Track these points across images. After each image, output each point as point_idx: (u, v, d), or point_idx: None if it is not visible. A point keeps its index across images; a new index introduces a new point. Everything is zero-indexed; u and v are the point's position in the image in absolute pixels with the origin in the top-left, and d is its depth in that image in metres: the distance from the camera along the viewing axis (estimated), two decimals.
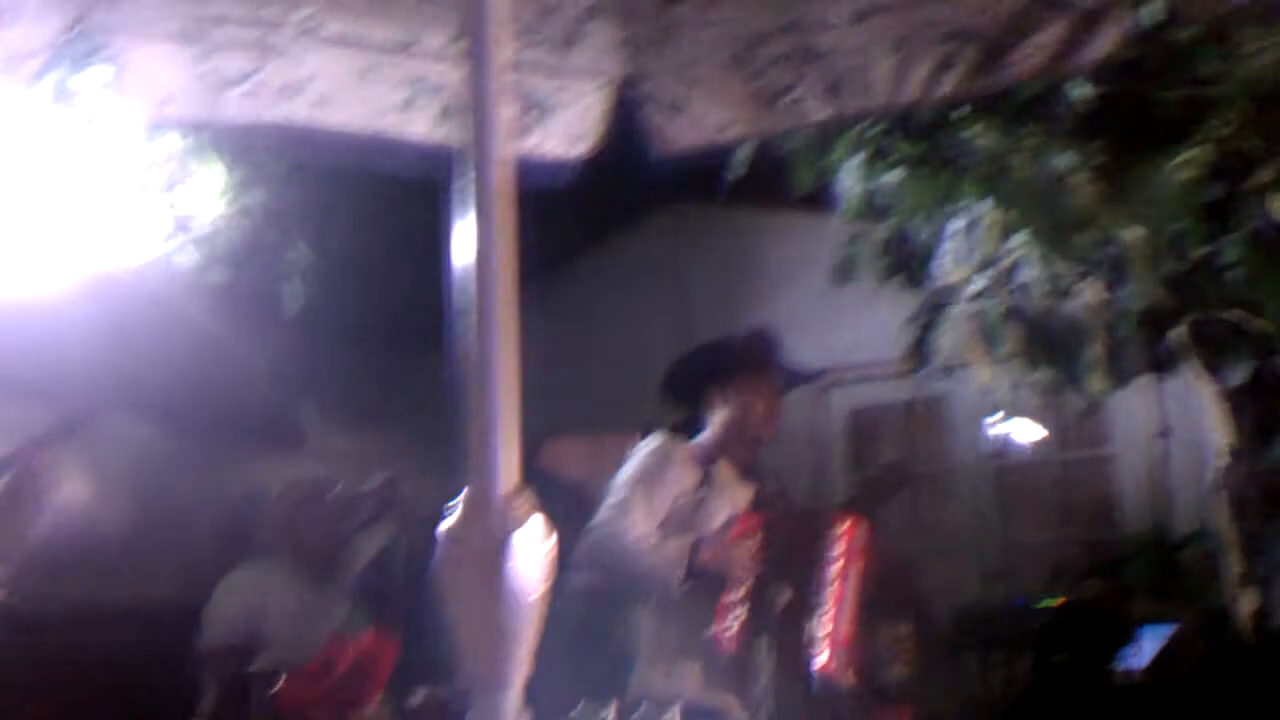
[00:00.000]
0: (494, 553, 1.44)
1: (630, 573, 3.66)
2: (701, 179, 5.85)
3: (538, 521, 1.51)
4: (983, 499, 6.51)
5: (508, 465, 1.48)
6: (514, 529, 1.46)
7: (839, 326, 5.99)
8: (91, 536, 4.63)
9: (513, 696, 1.46)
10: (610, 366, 6.81)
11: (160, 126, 4.02)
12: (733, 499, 3.85)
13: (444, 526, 1.49)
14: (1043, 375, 4.07)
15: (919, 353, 4.04)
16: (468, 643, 1.46)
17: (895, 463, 5.99)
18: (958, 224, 3.75)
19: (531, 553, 1.47)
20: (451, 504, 1.54)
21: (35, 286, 4.21)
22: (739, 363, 3.91)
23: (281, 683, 2.99)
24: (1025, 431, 6.27)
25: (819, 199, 4.73)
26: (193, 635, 4.47)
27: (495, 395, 1.49)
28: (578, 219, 5.81)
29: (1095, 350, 3.89)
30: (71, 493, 4.57)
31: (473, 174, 1.65)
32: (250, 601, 4.50)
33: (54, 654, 4.52)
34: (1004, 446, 6.06)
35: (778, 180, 4.50)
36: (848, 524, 3.78)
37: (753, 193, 5.72)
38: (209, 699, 4.28)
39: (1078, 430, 6.27)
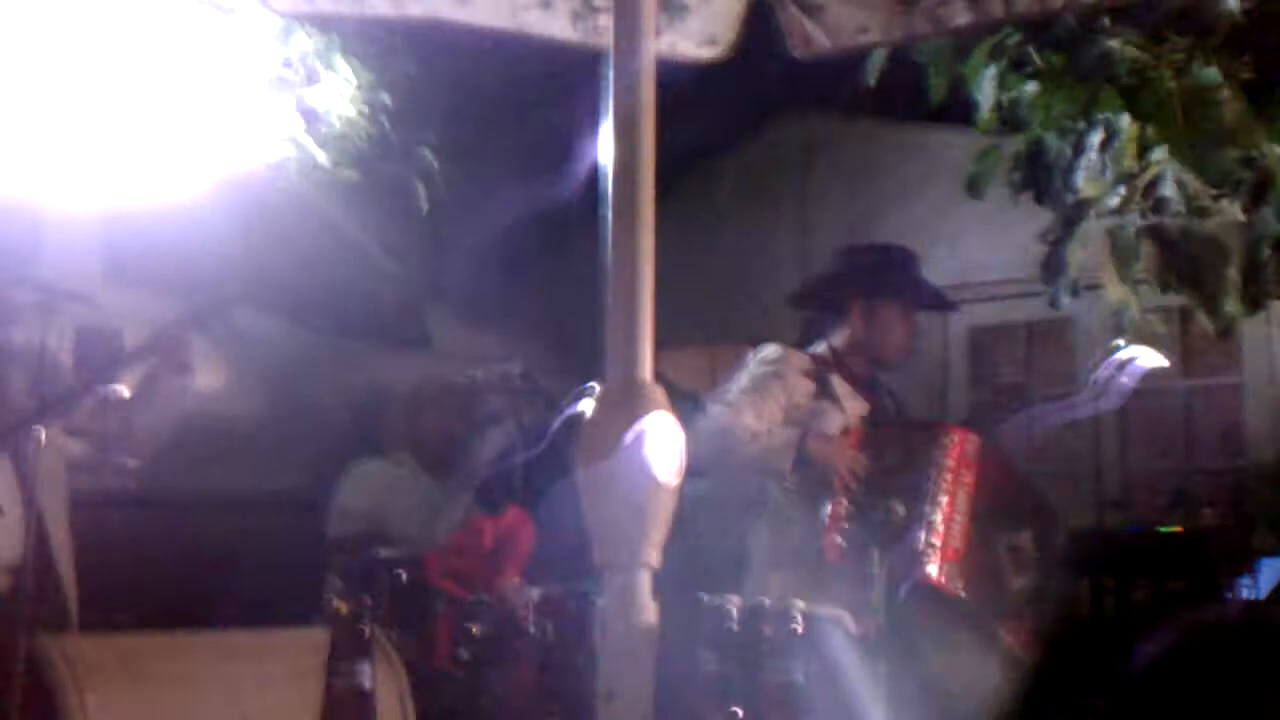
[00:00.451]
0: (630, 440, 1.47)
1: (737, 462, 3.66)
2: (830, 88, 5.79)
3: (670, 414, 1.55)
4: (1103, 424, 6.41)
5: (644, 357, 1.51)
6: (650, 415, 1.49)
7: (964, 243, 5.92)
8: (222, 426, 4.79)
9: (645, 579, 1.51)
10: (729, 277, 6.81)
11: (307, 20, 4.08)
12: (846, 412, 3.83)
13: (582, 414, 1.52)
14: (1175, 296, 3.99)
15: (1050, 269, 3.97)
16: (603, 524, 1.50)
17: (1011, 385, 5.91)
18: (1095, 138, 3.66)
19: (666, 440, 1.51)
20: (586, 392, 1.58)
21: (173, 181, 4.34)
22: (879, 278, 3.86)
23: (427, 556, 3.08)
24: (1150, 356, 6.14)
25: (949, 112, 4.64)
26: (319, 525, 4.63)
27: (636, 289, 1.51)
28: (703, 124, 5.78)
29: (1231, 273, 3.79)
30: (204, 383, 4.72)
31: (616, 74, 1.67)
32: (376, 494, 4.63)
33: (183, 538, 4.70)
34: (1118, 366, 5.94)
35: (909, 91, 4.42)
36: (958, 436, 3.75)
37: (882, 104, 5.65)
38: (336, 585, 4.43)
39: (1204, 356, 6.14)
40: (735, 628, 1.46)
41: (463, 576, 2.79)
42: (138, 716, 2.13)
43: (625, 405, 1.49)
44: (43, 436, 3.17)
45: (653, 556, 1.51)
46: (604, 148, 1.58)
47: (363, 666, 1.33)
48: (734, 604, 1.46)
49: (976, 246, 5.97)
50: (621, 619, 1.49)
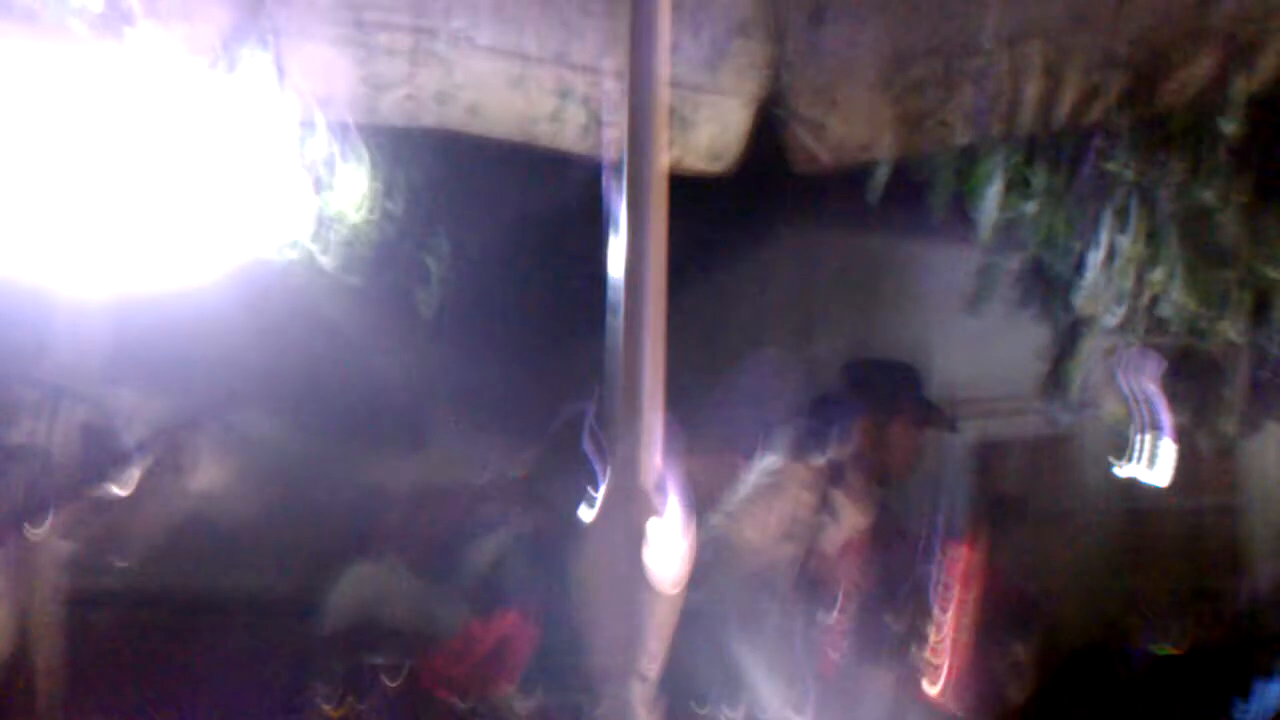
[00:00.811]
0: (635, 543, 1.47)
1: (739, 574, 3.66)
2: (831, 203, 5.86)
3: (677, 517, 1.54)
4: (1105, 542, 6.37)
5: (650, 460, 1.52)
6: (655, 521, 1.49)
7: (965, 358, 5.93)
8: (216, 526, 4.77)
9: (646, 687, 1.49)
10: (730, 388, 6.83)
11: (318, 125, 4.14)
12: (848, 524, 3.84)
13: (585, 517, 1.52)
14: (1176, 414, 3.99)
15: (1052, 385, 3.99)
16: (604, 631, 1.49)
17: (1014, 495, 5.89)
18: (1095, 257, 3.70)
19: (671, 546, 1.50)
20: (590, 497, 1.58)
21: (180, 275, 4.36)
22: (888, 396, 3.92)
23: (420, 661, 3.06)
24: (1148, 476, 6.12)
25: (949, 227, 4.69)
26: (313, 625, 4.59)
27: (642, 394, 1.52)
28: (706, 236, 5.85)
29: (1229, 393, 3.80)
30: (200, 483, 4.72)
31: (628, 183, 1.69)
32: (370, 596, 4.61)
33: (176, 635, 4.66)
34: (1129, 490, 5.94)
35: (910, 207, 4.48)
36: (961, 551, 3.76)
37: (882, 219, 5.71)
38: (329, 687, 4.38)
39: (1206, 477, 6.12)
40: None
41: (457, 683, 2.77)
42: None
43: (624, 509, 1.49)
44: (35, 535, 3.16)
45: (651, 667, 1.50)
46: (614, 258, 1.60)
47: None
48: (731, 717, 1.44)
49: (975, 362, 5.98)
50: None
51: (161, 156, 4.44)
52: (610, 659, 1.49)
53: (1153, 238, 3.50)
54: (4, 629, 3.20)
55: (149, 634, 4.61)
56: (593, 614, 1.51)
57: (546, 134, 2.86)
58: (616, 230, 1.66)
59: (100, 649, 4.36)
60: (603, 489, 1.54)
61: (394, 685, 3.30)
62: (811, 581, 3.64)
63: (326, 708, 1.09)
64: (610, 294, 1.69)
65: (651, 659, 1.49)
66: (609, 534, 1.48)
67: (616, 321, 1.58)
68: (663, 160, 1.75)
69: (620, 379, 1.55)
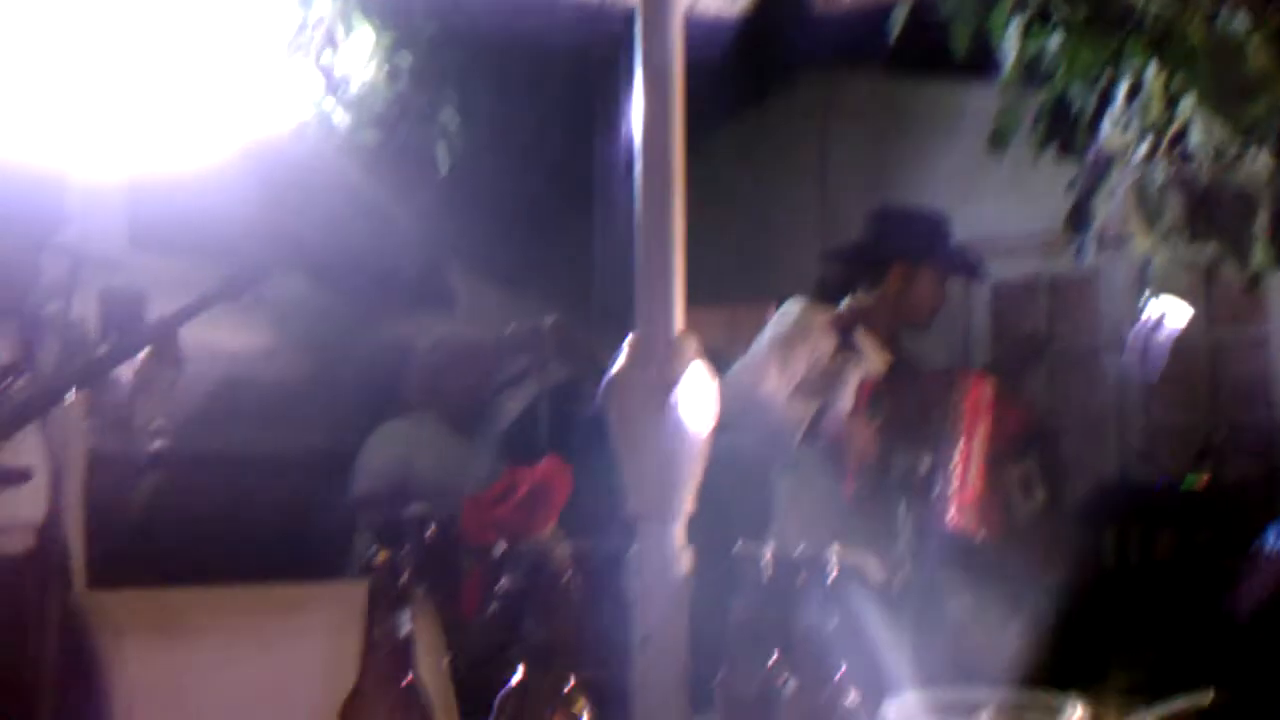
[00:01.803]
0: (663, 390, 1.49)
1: (756, 425, 3.71)
2: (852, 44, 5.74)
3: (702, 364, 1.56)
4: (1127, 378, 6.38)
5: (675, 308, 1.53)
6: (682, 368, 1.50)
7: (986, 199, 5.89)
8: (250, 388, 4.83)
9: (677, 530, 1.52)
10: (750, 236, 6.81)
11: None
12: (868, 367, 3.87)
13: (614, 368, 1.54)
14: (1204, 247, 3.96)
15: (1075, 222, 3.96)
16: (635, 477, 1.52)
17: (1033, 332, 5.91)
18: (1121, 89, 3.64)
19: (698, 391, 1.52)
20: (620, 345, 1.59)
21: (198, 150, 4.36)
22: (921, 243, 3.92)
23: (464, 507, 3.13)
24: (1178, 309, 6.11)
25: (971, 67, 4.61)
26: (347, 484, 4.68)
27: (666, 242, 1.53)
28: (722, 83, 5.76)
29: (1259, 223, 3.77)
30: (235, 347, 4.78)
31: (645, 33, 1.66)
32: (399, 452, 4.69)
33: (212, 499, 4.75)
34: (1146, 340, 5.93)
35: (931, 45, 4.39)
36: (973, 381, 3.82)
37: (903, 60, 5.61)
38: (362, 543, 4.49)
39: (1231, 308, 6.11)
40: (768, 576, 1.48)
41: (500, 526, 2.83)
42: (175, 670, 2.16)
43: (656, 357, 1.50)
44: (70, 401, 3.22)
45: (686, 507, 1.53)
46: (634, 107, 1.58)
47: (402, 616, 1.35)
48: (766, 552, 1.47)
49: (998, 202, 5.94)
50: (655, 568, 1.51)
51: (168, 24, 4.42)
52: (647, 500, 1.52)
53: (1180, 68, 3.44)
54: (42, 493, 3.28)
55: (191, 495, 4.69)
56: (628, 457, 1.54)
57: None
58: (633, 77, 1.64)
59: (143, 510, 4.45)
60: (631, 336, 1.55)
61: (430, 534, 3.37)
62: (833, 420, 3.69)
63: (378, 551, 1.13)
64: (626, 139, 1.68)
65: (684, 501, 1.52)
66: (640, 379, 1.50)
67: (639, 171, 1.57)
68: (681, 5, 1.71)
69: (644, 229, 1.55)
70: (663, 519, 1.50)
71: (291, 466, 5.00)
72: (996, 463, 3.75)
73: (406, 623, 1.34)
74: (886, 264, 3.92)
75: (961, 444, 3.70)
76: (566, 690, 1.40)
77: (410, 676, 1.36)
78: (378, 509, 4.50)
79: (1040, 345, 4.39)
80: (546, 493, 2.95)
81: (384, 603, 1.35)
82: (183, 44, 4.44)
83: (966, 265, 4.16)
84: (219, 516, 4.56)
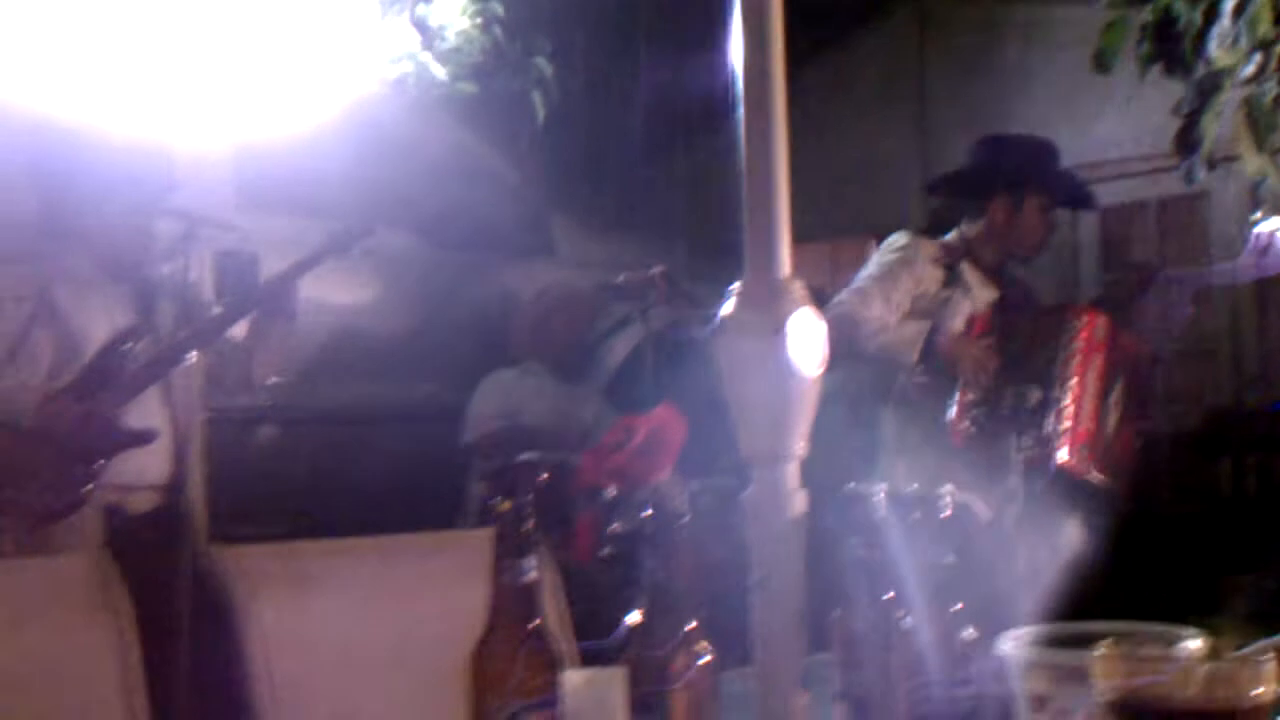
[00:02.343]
0: (773, 333, 1.50)
1: (864, 350, 3.69)
2: None
3: (811, 308, 1.57)
4: (1240, 301, 6.25)
5: (783, 253, 1.54)
6: (791, 312, 1.51)
7: (1091, 122, 5.77)
8: (361, 342, 4.92)
9: (791, 471, 1.54)
10: (848, 170, 6.74)
11: None
12: (976, 299, 3.82)
13: (723, 311, 1.55)
14: None
15: (1184, 142, 3.87)
16: (747, 421, 1.54)
17: (1144, 261, 5.78)
18: (1229, 4, 3.53)
19: (809, 333, 1.53)
20: (729, 290, 1.61)
21: (300, 111, 4.42)
22: (1026, 171, 3.83)
23: (583, 456, 3.18)
24: None
25: None
26: (455, 433, 4.76)
27: (772, 186, 1.53)
28: (817, 15, 5.71)
29: None
30: (344, 302, 4.87)
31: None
32: (507, 401, 4.76)
33: (326, 449, 4.86)
34: (1265, 246, 5.77)
35: None
36: (1087, 318, 3.72)
37: None
38: (475, 489, 4.58)
39: None
40: (882, 514, 1.49)
41: (619, 473, 2.88)
42: (309, 622, 2.22)
43: (766, 301, 1.51)
44: (189, 362, 3.30)
45: (799, 447, 1.55)
46: (733, 46, 1.58)
47: (529, 562, 1.39)
48: (880, 491, 1.49)
49: (1104, 125, 5.82)
50: (770, 509, 1.53)
51: None
52: (759, 443, 1.54)
53: None
54: (167, 453, 3.37)
55: (306, 449, 4.81)
56: (739, 401, 1.56)
57: None
58: (729, 15, 1.64)
59: (262, 462, 4.58)
60: (741, 281, 1.56)
61: (543, 480, 3.43)
62: (939, 362, 3.65)
63: (501, 500, 1.16)
64: (719, 84, 1.68)
65: (797, 441, 1.54)
66: (749, 323, 1.52)
67: (741, 112, 1.58)
68: None
69: (748, 173, 1.55)
70: (775, 461, 1.52)
71: (402, 418, 5.09)
72: (1110, 400, 3.67)
73: (532, 568, 1.38)
74: (990, 194, 3.83)
75: (1075, 382, 3.62)
76: (688, 630, 1.43)
77: (538, 620, 1.40)
78: (488, 457, 4.58)
79: (1151, 274, 4.27)
80: (662, 439, 2.98)
81: (510, 549, 1.39)
82: (280, 6, 4.51)
83: (1073, 194, 4.06)
84: (333, 469, 4.67)
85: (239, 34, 4.33)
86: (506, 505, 1.42)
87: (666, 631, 1.43)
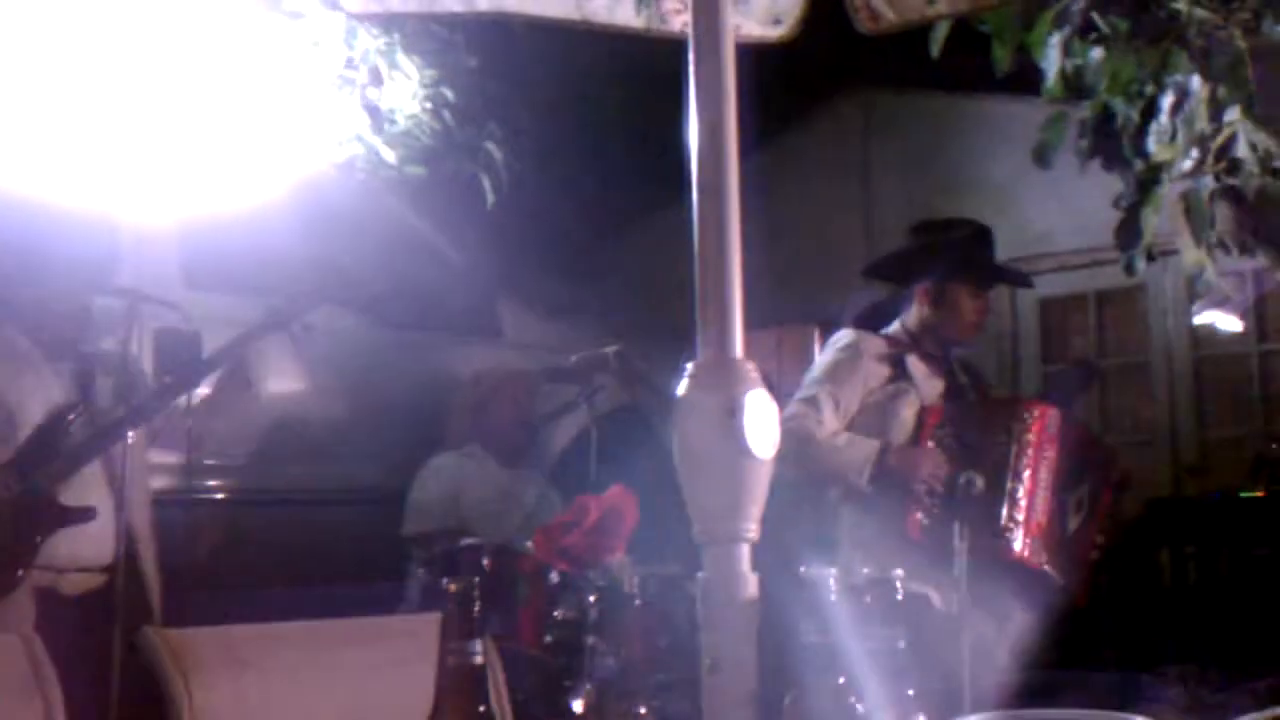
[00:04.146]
0: (727, 414, 1.49)
1: (818, 469, 3.69)
2: (892, 62, 5.75)
3: (764, 389, 1.57)
4: (1179, 391, 6.35)
5: (735, 333, 1.54)
6: (745, 392, 1.51)
7: (1031, 214, 5.88)
8: (300, 423, 4.86)
9: (744, 553, 1.53)
10: (793, 258, 6.81)
11: (376, 20, 4.12)
12: (924, 392, 3.82)
13: (678, 391, 1.55)
14: (1249, 260, 3.94)
15: (1124, 235, 3.94)
16: (700, 501, 1.53)
17: (1085, 357, 5.85)
18: (1166, 101, 3.62)
19: (763, 414, 1.53)
20: (683, 370, 1.60)
21: (244, 184, 4.41)
22: (947, 258, 3.84)
23: (535, 536, 3.14)
24: (1223, 322, 6.07)
25: (1013, 82, 4.61)
26: (395, 515, 4.69)
27: (725, 267, 1.54)
28: (762, 105, 5.79)
29: None
30: (281, 382, 4.80)
31: (696, 57, 1.68)
32: (449, 488, 4.70)
33: (269, 529, 4.79)
34: (1201, 338, 5.88)
35: (972, 62, 4.40)
36: (1039, 411, 3.73)
37: (945, 76, 5.61)
38: (416, 575, 4.51)
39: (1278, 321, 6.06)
40: (834, 598, 1.48)
41: (571, 553, 2.84)
42: (244, 706, 2.18)
43: (719, 381, 1.51)
44: (130, 440, 3.24)
45: (752, 530, 1.53)
46: (690, 132, 1.59)
47: (475, 644, 1.36)
48: (833, 575, 1.48)
49: (1044, 217, 5.93)
50: (723, 592, 1.51)
51: (215, 64, 4.49)
52: (712, 524, 1.52)
53: (1226, 78, 3.42)
54: (108, 533, 3.29)
55: (246, 528, 4.74)
56: (691, 482, 1.55)
57: (602, 10, 2.81)
58: (689, 104, 1.65)
59: (203, 543, 4.50)
60: (695, 361, 1.56)
61: (485, 566, 3.38)
62: (890, 465, 3.65)
63: (448, 582, 1.13)
64: (682, 171, 1.69)
65: (751, 523, 1.53)
66: (704, 403, 1.51)
67: (695, 198, 1.58)
68: (731, 26, 1.73)
69: (700, 253, 1.56)
70: (728, 543, 1.51)
71: (344, 500, 5.03)
72: (1061, 492, 3.68)
73: (480, 650, 1.35)
74: (918, 279, 3.85)
75: (1028, 475, 3.62)
76: (638, 716, 1.40)
77: (486, 705, 1.37)
78: (429, 544, 4.51)
79: (1094, 369, 4.28)
80: (615, 520, 2.96)
81: (458, 631, 1.36)
82: (230, 84, 4.51)
83: (1001, 277, 4.07)
84: (276, 549, 4.59)
85: (188, 111, 4.32)
86: (454, 586, 1.39)
87: (616, 718, 1.41)
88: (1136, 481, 5.67)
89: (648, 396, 4.31)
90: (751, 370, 1.53)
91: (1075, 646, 3.94)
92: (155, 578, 3.39)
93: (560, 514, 4.71)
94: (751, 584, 1.50)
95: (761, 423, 1.50)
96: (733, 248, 1.53)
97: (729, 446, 1.47)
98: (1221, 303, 5.17)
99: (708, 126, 1.57)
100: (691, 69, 1.62)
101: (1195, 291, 4.41)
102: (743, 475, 1.49)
